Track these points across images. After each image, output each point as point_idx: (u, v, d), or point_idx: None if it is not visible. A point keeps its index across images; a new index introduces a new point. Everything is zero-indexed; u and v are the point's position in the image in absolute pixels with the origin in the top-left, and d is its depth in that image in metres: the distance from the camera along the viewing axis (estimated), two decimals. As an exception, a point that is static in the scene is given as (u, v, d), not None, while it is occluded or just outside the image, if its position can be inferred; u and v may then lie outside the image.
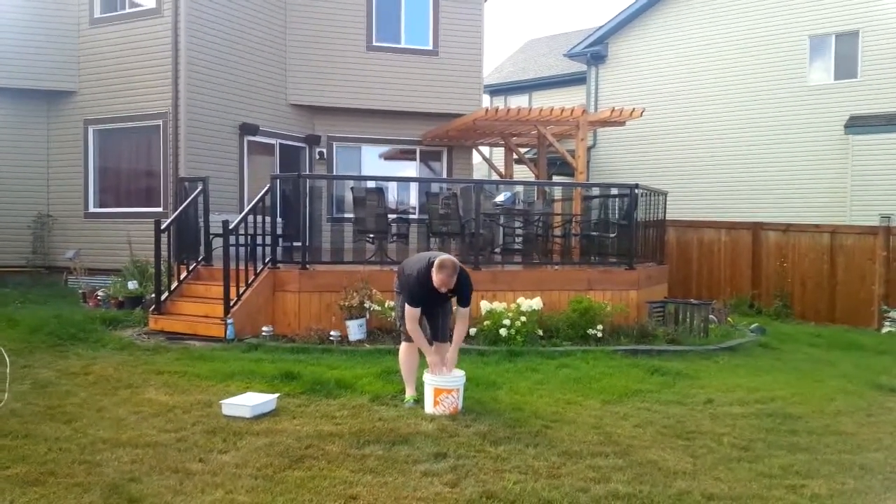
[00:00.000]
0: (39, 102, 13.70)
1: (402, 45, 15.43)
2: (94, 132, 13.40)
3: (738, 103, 18.27)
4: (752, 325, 11.55)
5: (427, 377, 5.78)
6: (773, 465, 4.82)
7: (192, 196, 10.11)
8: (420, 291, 5.80)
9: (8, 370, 6.56)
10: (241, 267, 8.91)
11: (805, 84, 17.46)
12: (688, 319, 9.99)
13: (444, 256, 5.81)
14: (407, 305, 5.87)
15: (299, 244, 9.51)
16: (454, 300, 6.02)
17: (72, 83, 13.45)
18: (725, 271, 15.22)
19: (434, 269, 5.69)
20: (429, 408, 5.72)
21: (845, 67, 17.00)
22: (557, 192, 16.10)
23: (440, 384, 5.72)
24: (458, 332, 5.97)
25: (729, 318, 11.78)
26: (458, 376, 5.86)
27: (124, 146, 13.36)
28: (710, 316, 10.56)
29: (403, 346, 6.06)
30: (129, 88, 12.86)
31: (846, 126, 16.43)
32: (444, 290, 5.73)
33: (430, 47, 15.55)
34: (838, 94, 16.96)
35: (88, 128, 13.37)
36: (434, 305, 6.03)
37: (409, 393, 6.03)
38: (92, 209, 13.43)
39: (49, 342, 8.25)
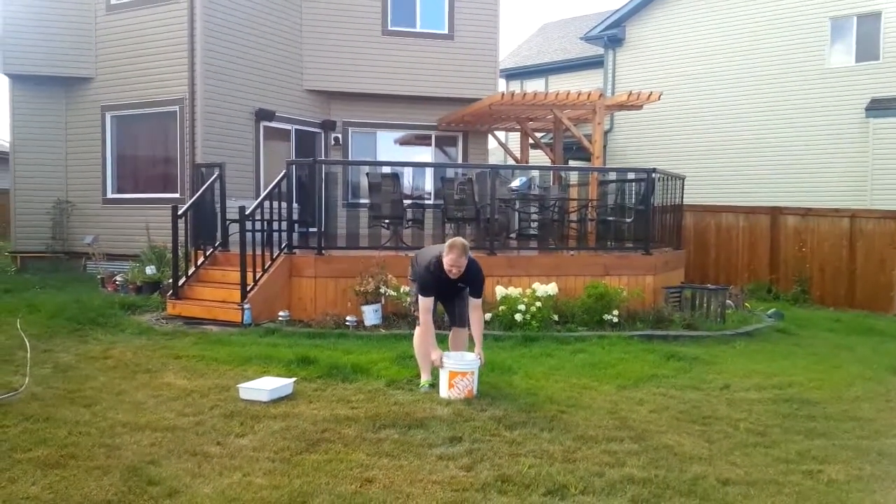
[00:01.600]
0: (57, 89, 13.79)
1: (418, 29, 15.37)
2: (111, 118, 13.47)
3: (757, 86, 18.05)
4: (770, 311, 11.47)
5: (444, 360, 5.79)
6: (790, 450, 4.81)
7: (209, 182, 10.15)
8: (432, 281, 5.88)
9: (29, 354, 6.66)
10: (258, 252, 8.96)
11: (825, 66, 17.21)
12: (705, 305, 9.94)
13: (454, 238, 5.92)
14: (420, 297, 5.96)
15: (315, 230, 9.56)
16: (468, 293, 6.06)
17: (89, 70, 13.52)
18: (743, 256, 15.10)
19: (444, 251, 5.78)
20: (443, 391, 5.74)
21: (867, 49, 16.73)
22: (573, 177, 15.99)
23: (455, 367, 5.74)
24: (476, 327, 6.00)
25: (746, 304, 11.71)
26: (472, 360, 5.87)
27: (141, 132, 13.43)
28: (728, 301, 10.51)
29: (418, 330, 6.08)
30: (146, 75, 12.91)
31: (867, 109, 16.20)
32: (454, 271, 5.77)
33: (445, 31, 15.47)
34: (859, 76, 16.71)
35: (106, 114, 13.45)
36: (449, 296, 6.13)
37: (425, 377, 6.05)
38: (110, 195, 13.53)
39: (69, 327, 8.34)
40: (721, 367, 7.32)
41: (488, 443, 4.69)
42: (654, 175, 10.56)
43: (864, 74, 16.63)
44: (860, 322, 11.90)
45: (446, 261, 5.76)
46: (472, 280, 5.96)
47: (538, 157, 18.46)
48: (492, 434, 4.86)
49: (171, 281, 9.65)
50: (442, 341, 6.36)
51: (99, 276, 11.81)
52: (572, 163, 19.76)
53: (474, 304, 6.00)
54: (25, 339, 7.25)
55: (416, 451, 4.52)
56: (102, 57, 13.43)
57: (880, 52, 16.52)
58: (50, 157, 13.84)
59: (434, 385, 5.92)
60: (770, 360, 7.91)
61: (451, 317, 6.30)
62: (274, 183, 9.50)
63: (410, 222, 10.58)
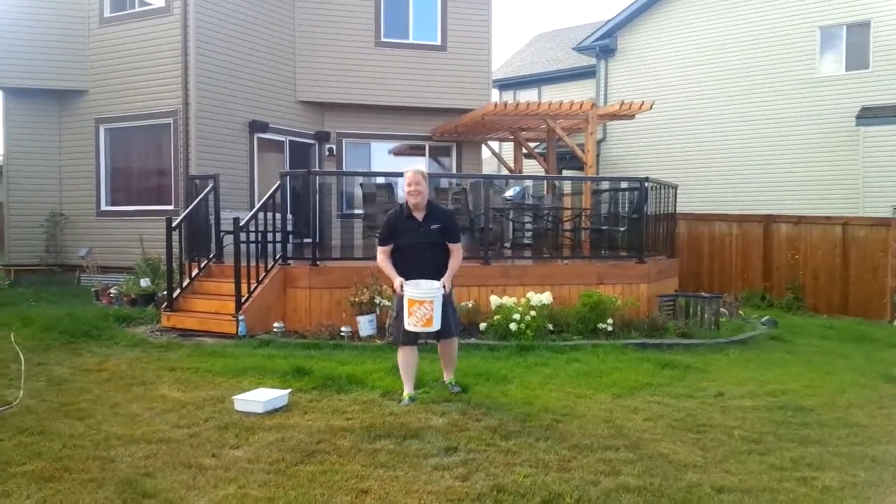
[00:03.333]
0: (51, 102, 13.80)
1: (411, 40, 15.43)
2: (105, 131, 13.48)
3: (748, 95, 18.18)
4: (764, 318, 11.51)
5: (405, 287, 5.66)
6: (784, 457, 4.82)
7: (203, 194, 10.16)
8: (393, 223, 5.87)
9: (23, 367, 6.64)
10: (252, 264, 8.96)
11: (816, 75, 17.36)
12: (699, 313, 9.97)
13: None
14: (379, 247, 5.93)
15: (310, 240, 9.56)
16: (448, 249, 5.91)
17: (83, 82, 13.53)
18: (737, 264, 15.15)
19: (404, 177, 5.79)
20: (405, 322, 5.64)
21: (857, 58, 16.88)
22: (567, 187, 16.07)
23: (412, 295, 5.59)
24: (453, 262, 5.87)
25: (740, 311, 11.75)
26: (431, 287, 5.64)
27: (135, 144, 13.44)
28: (721, 309, 10.54)
29: (399, 351, 6.00)
30: (140, 87, 12.93)
31: (858, 117, 16.32)
32: (412, 189, 5.71)
33: (438, 43, 15.54)
34: (850, 85, 16.85)
35: (100, 126, 13.46)
36: (418, 250, 5.83)
37: (407, 391, 5.94)
38: (104, 207, 13.52)
39: (63, 340, 8.32)
40: (715, 375, 7.33)
41: (483, 452, 4.69)
42: (647, 184, 10.62)
43: (855, 83, 16.77)
44: (853, 329, 11.94)
45: (405, 183, 5.77)
46: (445, 220, 5.89)
47: (532, 167, 18.53)
48: (487, 444, 4.86)
49: (165, 293, 9.64)
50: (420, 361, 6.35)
51: (93, 289, 11.79)
52: (566, 172, 19.86)
53: (454, 248, 5.88)
54: (20, 352, 7.23)
55: (411, 462, 4.52)
56: (96, 69, 13.45)
57: (870, 61, 16.67)
58: (44, 169, 13.83)
59: (415, 399, 5.86)
60: (764, 368, 7.93)
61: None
62: (268, 194, 9.52)
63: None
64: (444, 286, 5.69)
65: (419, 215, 5.84)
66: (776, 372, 7.73)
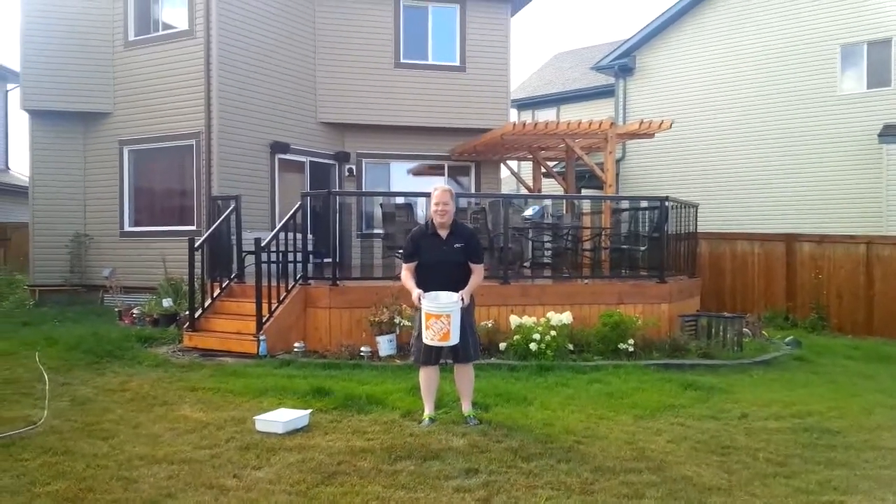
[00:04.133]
0: (76, 124, 14.03)
1: (430, 61, 15.55)
2: (128, 152, 13.68)
3: (768, 113, 18.09)
4: (788, 338, 11.38)
5: (422, 300, 5.63)
6: (810, 480, 4.75)
7: (225, 214, 10.26)
8: (416, 239, 5.88)
9: (47, 387, 6.70)
10: (273, 284, 9.01)
11: (837, 93, 17.24)
12: (721, 333, 9.87)
13: None
14: (403, 263, 5.95)
15: (330, 260, 9.60)
16: (470, 268, 5.89)
17: (107, 105, 13.76)
18: (759, 283, 15.01)
19: (431, 196, 5.81)
20: (424, 335, 5.61)
21: (878, 76, 16.76)
22: (586, 206, 16.04)
23: (429, 309, 5.54)
24: (474, 279, 5.85)
25: (763, 332, 11.63)
26: (448, 301, 5.59)
27: (158, 166, 13.61)
28: (744, 329, 10.43)
29: (421, 371, 5.99)
30: (163, 109, 13.12)
31: (880, 135, 16.16)
32: (440, 209, 5.71)
33: (457, 63, 15.65)
34: (871, 102, 16.71)
35: (123, 148, 13.65)
36: (440, 267, 5.79)
37: (427, 411, 5.92)
38: (127, 228, 13.68)
39: (86, 360, 8.40)
40: (739, 396, 7.25)
41: (505, 474, 4.67)
42: (667, 203, 10.57)
43: (877, 101, 16.64)
44: (879, 349, 11.77)
45: (433, 202, 5.77)
46: (468, 239, 5.87)
47: (550, 186, 18.54)
48: (508, 466, 4.83)
49: (187, 313, 9.71)
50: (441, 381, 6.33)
51: (116, 309, 11.90)
52: (585, 191, 19.82)
53: (476, 268, 5.87)
54: (44, 372, 7.30)
55: (432, 484, 4.50)
56: (120, 92, 13.68)
57: (892, 79, 16.54)
58: (68, 190, 14.04)
59: (435, 420, 5.84)
60: (788, 389, 7.84)
61: (454, 353, 5.88)
62: (289, 214, 9.59)
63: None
64: (462, 299, 5.63)
65: (443, 233, 5.85)
66: (801, 393, 7.63)
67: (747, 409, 6.65)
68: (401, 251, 10.15)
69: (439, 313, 5.53)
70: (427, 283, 5.81)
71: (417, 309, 5.89)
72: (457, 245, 5.83)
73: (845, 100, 17.13)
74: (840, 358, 10.73)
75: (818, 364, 9.90)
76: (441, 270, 5.80)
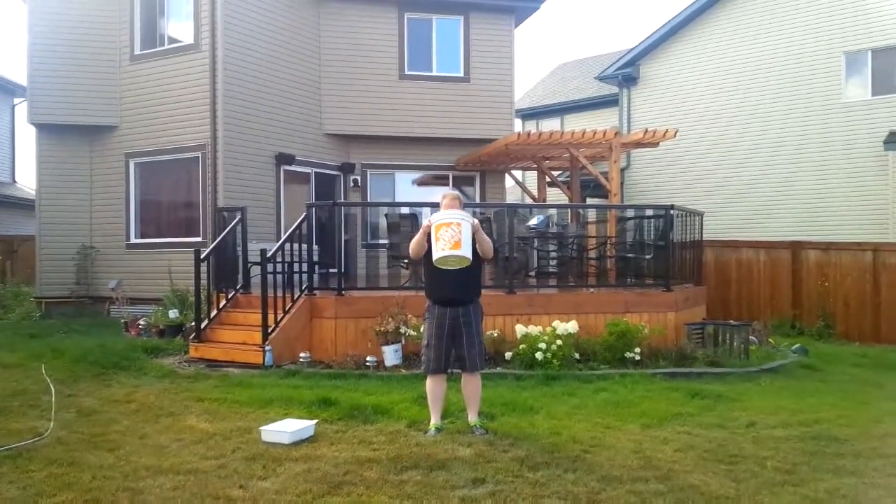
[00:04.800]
0: (82, 138, 14.10)
1: (434, 73, 15.61)
2: (135, 165, 13.74)
3: (772, 121, 18.09)
4: (794, 346, 11.33)
5: (432, 217, 5.61)
6: (819, 489, 4.72)
7: (231, 225, 10.28)
8: (428, 234, 5.77)
9: (53, 399, 6.72)
10: (279, 294, 9.03)
11: (842, 100, 17.24)
12: (727, 341, 9.83)
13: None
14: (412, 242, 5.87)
15: (335, 271, 9.61)
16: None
17: (113, 118, 13.83)
18: (765, 291, 14.97)
19: (440, 203, 5.76)
20: (434, 252, 5.53)
21: (883, 83, 16.75)
22: (591, 215, 16.05)
23: (440, 218, 5.51)
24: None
25: (770, 339, 11.58)
26: (460, 213, 5.56)
27: (164, 178, 13.67)
28: (751, 337, 10.39)
29: (428, 379, 5.96)
30: (169, 122, 13.19)
31: (885, 142, 16.13)
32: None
33: (461, 74, 15.70)
34: (877, 109, 16.70)
35: (129, 161, 13.72)
36: (452, 273, 5.66)
37: (434, 421, 5.90)
38: (133, 240, 13.73)
39: (93, 371, 8.41)
40: (746, 405, 7.22)
41: (511, 484, 4.65)
42: (672, 211, 10.56)
43: (882, 107, 16.62)
44: (887, 356, 11.71)
45: (442, 207, 5.75)
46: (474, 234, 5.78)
47: (555, 195, 18.53)
48: (515, 475, 4.82)
49: (193, 324, 9.73)
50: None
51: (122, 321, 11.92)
52: (590, 200, 19.81)
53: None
54: (50, 384, 7.32)
55: (438, 494, 4.49)
56: (126, 105, 13.76)
57: (897, 86, 16.52)
58: (75, 203, 14.11)
59: (441, 429, 5.82)
60: (796, 397, 7.80)
61: (461, 361, 5.87)
62: (294, 225, 9.61)
63: (429, 262, 10.61)
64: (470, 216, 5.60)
65: None
66: (809, 401, 7.59)
67: (755, 418, 6.62)
68: (406, 261, 10.23)
69: (450, 221, 5.47)
70: (434, 284, 5.84)
71: (425, 318, 5.91)
72: None
73: (850, 107, 17.11)
74: (847, 366, 10.68)
75: (826, 372, 9.85)
76: (448, 273, 5.70)
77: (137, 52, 13.71)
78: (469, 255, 5.51)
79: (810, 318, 14.27)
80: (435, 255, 5.54)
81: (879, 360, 11.39)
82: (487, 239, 5.87)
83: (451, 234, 5.43)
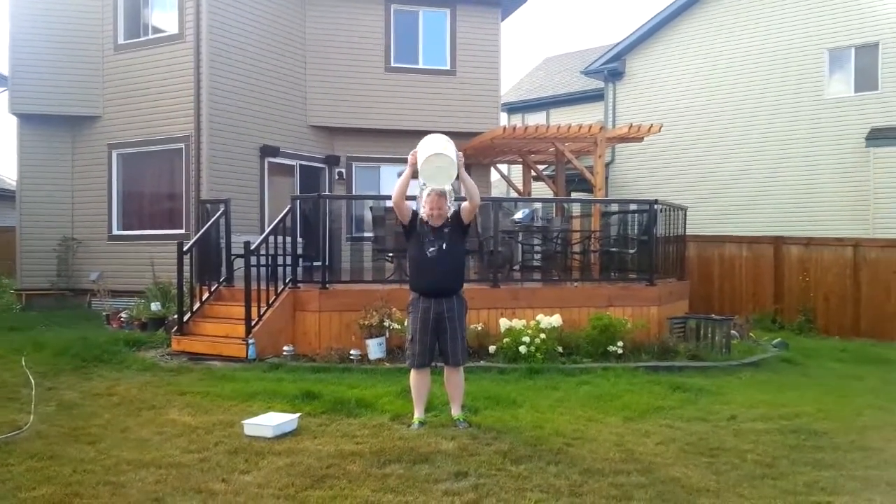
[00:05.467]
0: (64, 128, 13.96)
1: (420, 65, 15.57)
2: (117, 156, 13.62)
3: (756, 117, 18.19)
4: (775, 341, 11.43)
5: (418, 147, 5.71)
6: (798, 481, 4.77)
7: (214, 218, 10.22)
8: (413, 220, 5.86)
9: (33, 392, 6.67)
10: (263, 287, 8.99)
11: (825, 97, 17.36)
12: (709, 335, 9.91)
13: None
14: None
15: (319, 264, 9.59)
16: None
17: (96, 108, 13.70)
18: (747, 286, 15.08)
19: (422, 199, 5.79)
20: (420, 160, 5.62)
21: (865, 80, 16.88)
22: (576, 209, 16.09)
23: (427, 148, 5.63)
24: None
25: (751, 334, 11.68)
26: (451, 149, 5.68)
27: (147, 169, 13.56)
28: (732, 331, 10.48)
29: (413, 373, 5.98)
30: (153, 113, 13.08)
31: (867, 138, 16.29)
32: (437, 215, 5.74)
33: (447, 67, 15.67)
34: (859, 106, 16.84)
35: (112, 152, 13.60)
36: (432, 259, 5.75)
37: (417, 415, 5.91)
38: (115, 232, 13.62)
39: (74, 364, 8.34)
40: (727, 398, 7.28)
41: (494, 477, 4.66)
42: (656, 206, 10.61)
43: (864, 104, 16.76)
44: (867, 351, 11.84)
45: (427, 205, 5.75)
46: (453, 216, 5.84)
47: (540, 190, 18.58)
48: (497, 468, 4.83)
49: (175, 317, 9.68)
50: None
51: (104, 313, 11.84)
52: (575, 194, 19.87)
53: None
54: (30, 377, 7.26)
55: (421, 487, 4.49)
56: (109, 96, 13.62)
57: (879, 83, 16.66)
58: (56, 194, 13.97)
59: (424, 423, 5.82)
60: (776, 391, 7.87)
61: (444, 355, 5.88)
62: (279, 218, 9.58)
63: (414, 255, 10.59)
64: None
65: (436, 224, 5.83)
66: (789, 395, 7.67)
67: (736, 411, 6.68)
68: (391, 254, 10.20)
69: (438, 152, 5.62)
70: (422, 273, 5.82)
71: (409, 312, 5.93)
72: (446, 230, 5.82)
73: (833, 103, 17.24)
74: (827, 360, 10.79)
75: (806, 366, 9.96)
76: (433, 262, 5.75)
77: (121, 41, 13.57)
78: (454, 158, 5.63)
79: (791, 313, 14.40)
80: (421, 158, 5.62)
81: (859, 354, 11.52)
82: (472, 181, 5.91)
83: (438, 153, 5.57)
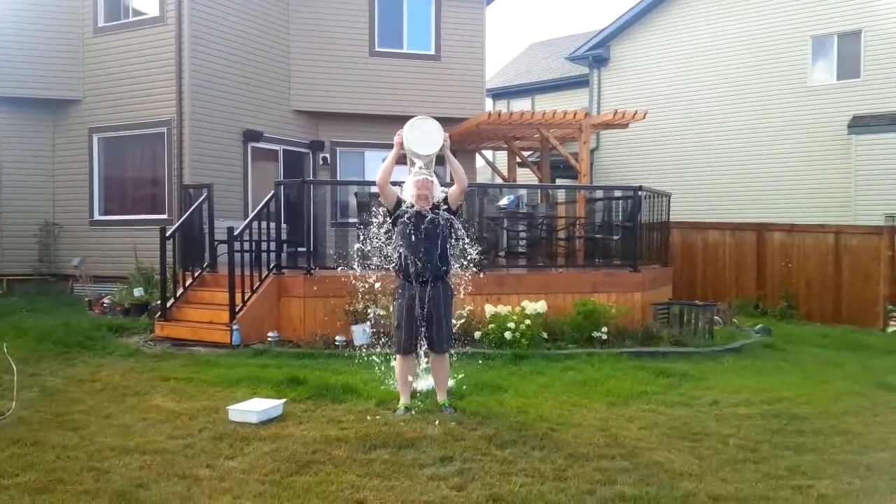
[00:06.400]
0: (45, 111, 13.78)
1: (405, 50, 15.48)
2: (98, 140, 13.46)
3: (740, 104, 18.27)
4: (757, 326, 11.54)
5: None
6: (780, 465, 4.83)
7: (197, 203, 10.15)
8: (399, 205, 5.86)
9: (16, 378, 6.59)
10: (247, 273, 8.94)
11: (807, 84, 17.47)
12: (693, 321, 9.98)
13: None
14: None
15: (304, 250, 9.54)
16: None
17: (77, 92, 13.52)
18: (730, 272, 15.19)
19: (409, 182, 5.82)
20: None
21: (848, 67, 16.99)
22: (561, 195, 16.11)
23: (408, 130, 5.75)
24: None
25: (734, 319, 11.78)
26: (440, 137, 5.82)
27: (129, 154, 13.42)
28: (715, 317, 10.56)
29: (398, 359, 5.98)
30: (134, 96, 12.92)
31: (849, 126, 16.42)
32: (424, 197, 5.73)
33: (432, 52, 15.59)
34: (841, 94, 16.96)
35: (93, 136, 13.44)
36: (420, 242, 5.73)
37: (403, 400, 5.92)
38: (97, 217, 13.49)
39: (56, 350, 8.28)
40: (710, 383, 7.34)
41: (479, 462, 4.68)
42: (640, 193, 10.64)
43: (846, 92, 16.88)
44: (848, 337, 11.98)
45: (414, 188, 5.75)
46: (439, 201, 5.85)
47: (525, 176, 18.57)
48: (483, 453, 4.85)
49: (159, 303, 9.61)
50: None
51: (86, 299, 11.74)
52: (559, 181, 19.89)
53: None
54: (12, 363, 7.18)
55: (406, 472, 4.51)
56: (90, 79, 13.45)
57: (861, 70, 16.78)
58: (37, 179, 13.80)
59: (410, 408, 5.83)
60: (758, 376, 7.95)
61: (429, 341, 5.90)
62: (262, 203, 9.52)
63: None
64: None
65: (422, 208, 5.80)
66: (771, 380, 7.75)
67: (718, 396, 6.74)
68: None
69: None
70: (409, 257, 5.74)
71: (395, 298, 5.93)
72: (433, 214, 5.78)
73: (816, 91, 17.35)
74: (809, 345, 10.91)
75: (787, 351, 10.05)
76: (420, 245, 5.72)
77: (101, 24, 13.38)
78: (440, 127, 5.79)
79: (774, 299, 14.53)
80: (406, 129, 5.75)
81: (840, 340, 11.65)
82: (459, 163, 5.97)
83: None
